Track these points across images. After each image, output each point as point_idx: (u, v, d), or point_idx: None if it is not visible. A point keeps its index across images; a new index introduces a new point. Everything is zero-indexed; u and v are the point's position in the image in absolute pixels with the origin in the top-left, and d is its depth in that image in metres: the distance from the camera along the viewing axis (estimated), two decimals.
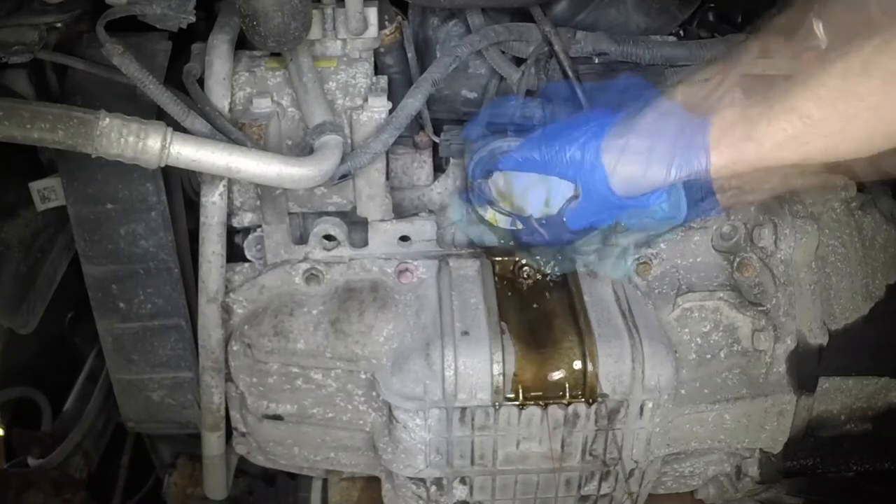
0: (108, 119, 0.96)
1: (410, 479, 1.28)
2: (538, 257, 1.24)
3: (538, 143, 1.10)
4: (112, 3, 1.08)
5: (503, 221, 1.20)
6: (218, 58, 1.13)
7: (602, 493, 1.30)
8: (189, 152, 0.99)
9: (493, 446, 1.23)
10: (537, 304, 1.23)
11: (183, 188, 1.34)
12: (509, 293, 1.24)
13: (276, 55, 1.20)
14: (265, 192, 1.20)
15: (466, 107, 1.40)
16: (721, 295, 1.26)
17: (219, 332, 1.24)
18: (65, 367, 1.74)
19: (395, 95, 1.21)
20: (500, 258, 1.28)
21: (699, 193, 1.09)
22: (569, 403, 1.18)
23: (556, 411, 1.19)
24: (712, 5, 1.52)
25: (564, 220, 1.11)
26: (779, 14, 1.05)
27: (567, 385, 1.17)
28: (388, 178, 1.26)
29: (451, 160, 1.34)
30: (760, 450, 1.36)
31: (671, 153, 0.98)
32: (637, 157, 1.00)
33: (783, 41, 1.08)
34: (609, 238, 1.20)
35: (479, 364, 1.16)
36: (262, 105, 1.14)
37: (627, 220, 1.11)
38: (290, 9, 1.00)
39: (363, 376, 1.25)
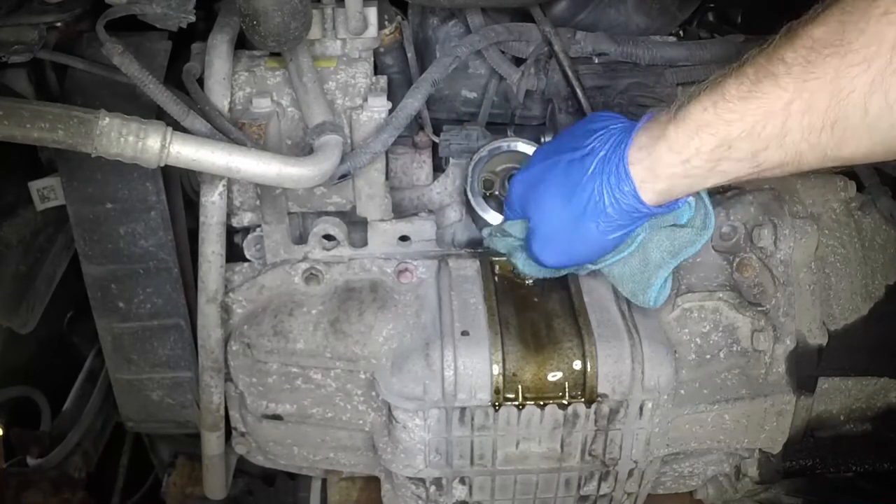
0: (107, 118, 0.95)
1: (410, 479, 1.28)
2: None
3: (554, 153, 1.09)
4: (112, 3, 1.08)
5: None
6: (218, 57, 1.13)
7: (601, 493, 1.31)
8: (189, 152, 0.99)
9: (493, 446, 1.23)
10: (537, 305, 1.23)
11: (183, 188, 1.34)
12: (509, 293, 1.24)
13: (275, 55, 1.20)
14: (265, 192, 1.20)
15: (466, 107, 1.40)
16: (721, 295, 1.26)
17: (218, 332, 1.24)
18: (64, 367, 1.74)
19: (394, 95, 1.21)
20: (499, 258, 1.28)
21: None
22: (568, 403, 1.18)
23: (555, 411, 1.19)
24: (712, 5, 1.52)
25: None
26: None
27: (566, 385, 1.17)
28: (387, 177, 1.26)
29: (451, 160, 1.34)
30: (760, 450, 1.36)
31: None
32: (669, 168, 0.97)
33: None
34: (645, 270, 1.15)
35: (479, 364, 1.16)
36: (262, 105, 1.14)
37: (659, 245, 1.10)
38: (290, 8, 1.00)
39: (363, 376, 1.25)
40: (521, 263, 1.18)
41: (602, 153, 1.03)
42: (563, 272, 1.18)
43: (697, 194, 1.06)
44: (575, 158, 1.06)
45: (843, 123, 0.82)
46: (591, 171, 1.03)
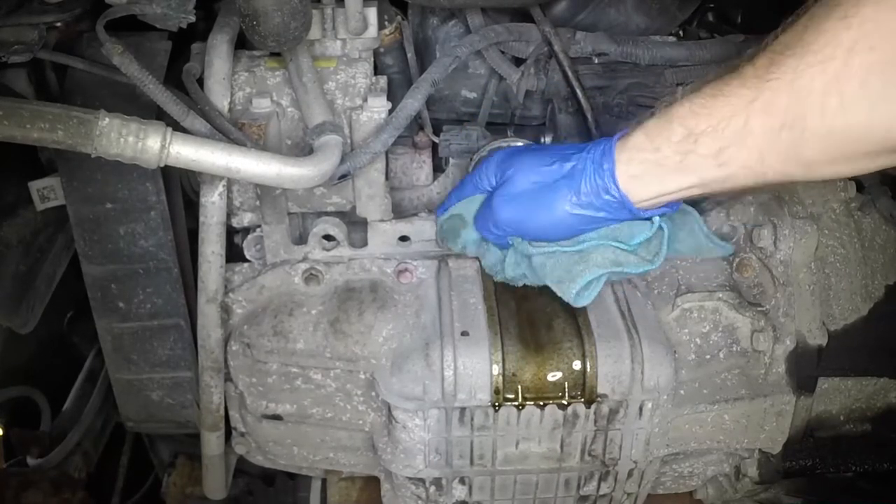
0: (107, 119, 0.95)
1: (409, 479, 1.28)
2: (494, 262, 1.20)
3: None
4: (112, 3, 1.08)
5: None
6: (218, 58, 1.13)
7: (601, 493, 1.31)
8: (188, 152, 0.99)
9: (493, 446, 1.23)
10: (537, 305, 1.23)
11: (182, 188, 1.34)
12: (509, 293, 1.24)
13: (275, 55, 1.20)
14: (264, 192, 1.20)
15: (466, 107, 1.40)
16: (720, 295, 1.26)
17: (218, 332, 1.24)
18: (64, 367, 1.74)
19: (394, 95, 1.21)
20: None
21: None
22: (568, 404, 1.18)
23: (555, 411, 1.19)
24: (712, 5, 1.52)
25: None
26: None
27: (566, 385, 1.17)
28: (387, 178, 1.26)
29: (451, 160, 1.34)
30: (759, 450, 1.36)
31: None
32: (647, 159, 0.99)
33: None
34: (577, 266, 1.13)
35: (479, 364, 1.16)
36: (262, 105, 1.14)
37: (602, 253, 1.10)
38: (290, 9, 1.00)
39: (362, 376, 1.25)
40: (464, 241, 1.18)
41: (597, 143, 1.05)
42: (519, 274, 1.17)
43: (659, 228, 1.06)
44: (573, 145, 1.10)
45: (801, 123, 0.84)
46: (581, 147, 1.07)
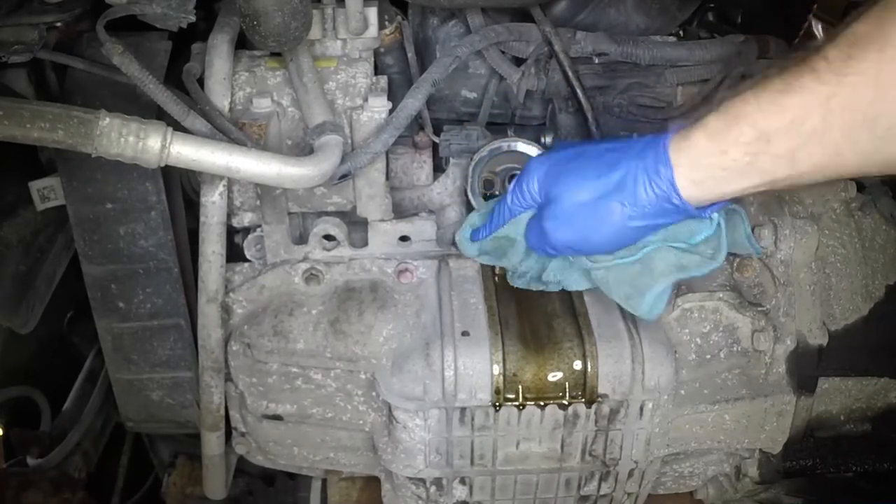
0: (107, 119, 0.95)
1: (410, 479, 1.28)
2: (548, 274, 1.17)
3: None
4: (112, 3, 1.08)
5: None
6: (218, 57, 1.13)
7: (602, 493, 1.31)
8: (189, 152, 0.99)
9: (493, 446, 1.23)
10: (537, 305, 1.23)
11: (183, 188, 1.34)
12: (509, 293, 1.24)
13: (276, 55, 1.20)
14: (265, 192, 1.20)
15: (466, 107, 1.40)
16: (721, 295, 1.26)
17: (218, 332, 1.24)
18: (64, 367, 1.74)
19: (395, 95, 1.21)
20: None
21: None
22: (569, 404, 1.18)
23: (555, 411, 1.19)
24: (712, 5, 1.52)
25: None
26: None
27: (567, 385, 1.17)
28: (388, 178, 1.26)
29: (451, 160, 1.34)
30: (760, 450, 1.36)
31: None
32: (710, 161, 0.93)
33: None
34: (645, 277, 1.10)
35: (479, 364, 1.16)
36: (262, 105, 1.14)
37: (665, 258, 1.07)
38: (290, 9, 1.00)
39: (363, 376, 1.25)
40: (516, 258, 1.15)
41: (642, 142, 1.00)
42: (555, 280, 1.16)
43: (718, 225, 1.03)
44: (610, 148, 1.03)
45: (886, 121, 0.80)
46: (629, 154, 1.00)
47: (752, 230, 1.28)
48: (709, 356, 1.26)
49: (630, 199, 0.99)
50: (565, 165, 1.05)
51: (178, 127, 1.02)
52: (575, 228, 1.04)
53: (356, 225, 1.27)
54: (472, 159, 1.28)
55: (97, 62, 1.20)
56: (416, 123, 1.31)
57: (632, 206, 0.99)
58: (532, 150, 1.28)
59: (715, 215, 1.03)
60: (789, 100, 0.85)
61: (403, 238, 1.27)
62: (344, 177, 1.13)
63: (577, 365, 1.16)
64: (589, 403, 1.18)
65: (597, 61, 1.32)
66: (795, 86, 0.84)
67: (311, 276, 1.26)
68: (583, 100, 1.28)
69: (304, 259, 1.27)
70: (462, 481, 1.28)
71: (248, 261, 1.31)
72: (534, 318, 1.21)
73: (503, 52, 1.32)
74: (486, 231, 1.15)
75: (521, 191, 1.09)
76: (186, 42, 1.23)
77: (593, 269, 1.10)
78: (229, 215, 1.22)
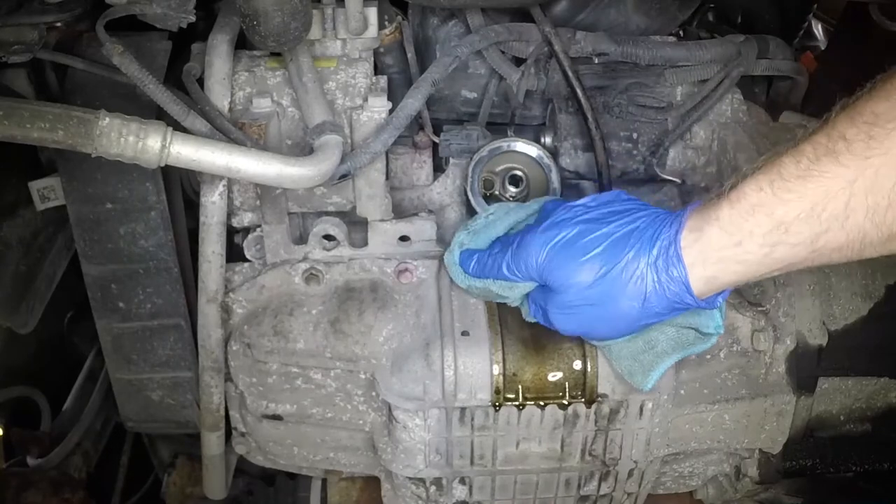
0: (107, 119, 0.95)
1: (410, 479, 1.28)
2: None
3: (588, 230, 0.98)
4: (112, 3, 1.08)
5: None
6: (218, 57, 1.13)
7: (601, 493, 1.31)
8: (189, 152, 0.99)
9: (493, 446, 1.23)
10: None
11: (183, 188, 1.34)
12: None
13: (275, 55, 1.20)
14: (265, 192, 1.20)
15: (466, 107, 1.40)
16: None
17: (218, 332, 1.24)
18: (64, 367, 1.74)
19: (395, 95, 1.21)
20: None
21: None
22: (569, 404, 1.18)
23: (555, 411, 1.19)
24: (712, 5, 1.52)
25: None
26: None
27: (567, 385, 1.17)
28: (387, 178, 1.26)
29: (451, 160, 1.34)
30: (760, 450, 1.36)
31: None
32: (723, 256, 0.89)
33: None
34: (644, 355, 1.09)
35: (479, 364, 1.16)
36: (262, 105, 1.14)
37: (665, 333, 1.06)
38: (290, 9, 1.00)
39: (363, 376, 1.25)
40: (510, 301, 1.13)
41: (649, 232, 0.94)
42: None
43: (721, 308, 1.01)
44: (616, 233, 0.97)
45: None
46: (636, 247, 0.94)
47: None
48: (708, 356, 1.26)
49: (639, 301, 0.95)
50: (567, 250, 0.99)
51: (178, 127, 1.02)
52: (580, 322, 1.02)
53: (356, 225, 1.27)
54: (472, 159, 1.28)
55: (97, 62, 1.20)
56: (416, 123, 1.32)
57: (640, 306, 0.95)
58: (532, 150, 1.28)
59: (722, 304, 1.00)
60: (808, 186, 0.81)
61: (403, 238, 1.27)
62: (344, 177, 1.13)
63: (577, 365, 1.16)
64: (589, 403, 1.18)
65: (597, 61, 1.32)
66: (814, 170, 0.81)
67: (311, 276, 1.26)
68: (583, 100, 1.28)
69: (304, 259, 1.27)
70: (462, 481, 1.28)
71: (248, 261, 1.31)
72: None
73: (503, 52, 1.32)
74: (477, 271, 1.12)
75: (519, 268, 1.05)
76: (186, 42, 1.23)
77: (597, 345, 1.13)
78: (229, 215, 1.23)
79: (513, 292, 1.10)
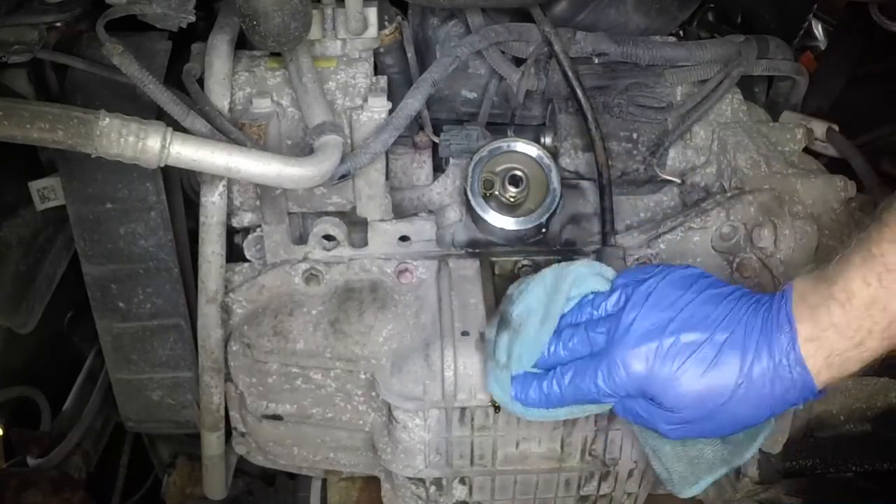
0: (107, 119, 0.96)
1: (410, 479, 1.28)
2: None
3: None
4: (112, 3, 1.09)
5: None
6: (218, 58, 1.13)
7: (601, 493, 1.31)
8: (189, 152, 0.99)
9: (493, 446, 1.23)
10: None
11: (182, 188, 1.34)
12: None
13: (275, 55, 1.20)
14: (265, 192, 1.20)
15: (466, 107, 1.40)
16: None
17: (218, 332, 1.24)
18: (64, 367, 1.74)
19: (395, 95, 1.21)
20: (499, 258, 1.28)
21: None
22: None
23: None
24: (712, 5, 1.52)
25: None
26: None
27: None
28: (387, 178, 1.26)
29: (451, 160, 1.34)
30: (760, 450, 1.36)
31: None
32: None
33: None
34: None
35: (479, 364, 1.16)
36: (262, 105, 1.14)
37: (713, 451, 1.03)
38: (290, 9, 1.00)
39: (363, 376, 1.25)
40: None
41: (758, 335, 0.91)
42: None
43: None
44: (722, 341, 0.92)
45: None
46: (750, 358, 0.91)
47: (752, 230, 1.28)
48: None
49: (758, 410, 0.93)
50: (669, 363, 0.92)
51: (178, 127, 1.02)
52: (691, 430, 0.97)
53: (356, 225, 1.27)
54: (471, 159, 1.28)
55: (97, 62, 1.20)
56: (416, 123, 1.32)
57: (757, 415, 0.93)
58: (532, 150, 1.28)
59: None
60: None
61: (403, 238, 1.27)
62: (344, 177, 1.13)
63: None
64: None
65: (597, 61, 1.32)
66: None
67: (310, 277, 1.26)
68: (583, 100, 1.28)
69: (304, 259, 1.27)
70: (462, 481, 1.28)
71: (248, 261, 1.31)
72: None
73: (503, 52, 1.32)
74: (547, 402, 1.01)
75: (614, 384, 0.95)
76: (186, 42, 1.23)
77: (651, 442, 1.07)
78: (229, 215, 1.23)
79: (602, 409, 1.02)
